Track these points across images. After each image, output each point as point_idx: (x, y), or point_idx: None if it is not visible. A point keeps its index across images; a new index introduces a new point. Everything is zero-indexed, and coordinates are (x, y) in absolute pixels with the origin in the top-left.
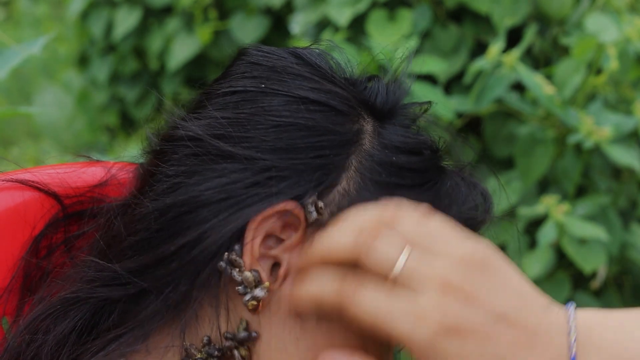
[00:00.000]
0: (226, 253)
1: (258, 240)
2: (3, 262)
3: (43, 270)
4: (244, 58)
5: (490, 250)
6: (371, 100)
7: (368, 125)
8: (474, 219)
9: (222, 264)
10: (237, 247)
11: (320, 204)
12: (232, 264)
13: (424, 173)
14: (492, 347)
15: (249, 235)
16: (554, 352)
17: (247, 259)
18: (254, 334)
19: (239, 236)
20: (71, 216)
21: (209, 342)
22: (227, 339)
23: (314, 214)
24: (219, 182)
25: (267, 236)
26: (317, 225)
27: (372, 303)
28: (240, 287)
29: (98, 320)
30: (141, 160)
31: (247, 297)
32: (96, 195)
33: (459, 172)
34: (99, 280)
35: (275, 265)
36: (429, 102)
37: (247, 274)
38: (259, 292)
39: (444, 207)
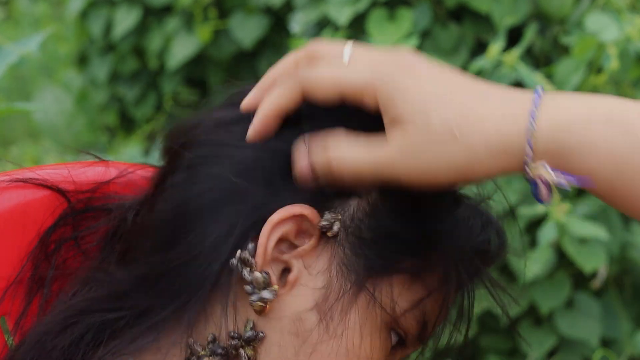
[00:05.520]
0: (239, 250)
1: (272, 243)
2: (9, 260)
3: (51, 264)
4: None
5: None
6: None
7: None
8: (486, 252)
9: (234, 261)
10: (250, 246)
11: (337, 214)
12: (244, 262)
13: (441, 199)
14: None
15: (263, 236)
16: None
17: (259, 260)
18: (260, 334)
19: (254, 235)
20: (81, 212)
21: (214, 339)
22: (232, 337)
23: (329, 223)
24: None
25: (281, 240)
26: (331, 235)
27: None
28: (248, 287)
29: (114, 321)
30: (152, 162)
31: (254, 297)
32: (106, 192)
33: (476, 205)
34: (111, 287)
35: (285, 270)
36: None
37: (258, 274)
38: (266, 294)
39: (459, 236)
